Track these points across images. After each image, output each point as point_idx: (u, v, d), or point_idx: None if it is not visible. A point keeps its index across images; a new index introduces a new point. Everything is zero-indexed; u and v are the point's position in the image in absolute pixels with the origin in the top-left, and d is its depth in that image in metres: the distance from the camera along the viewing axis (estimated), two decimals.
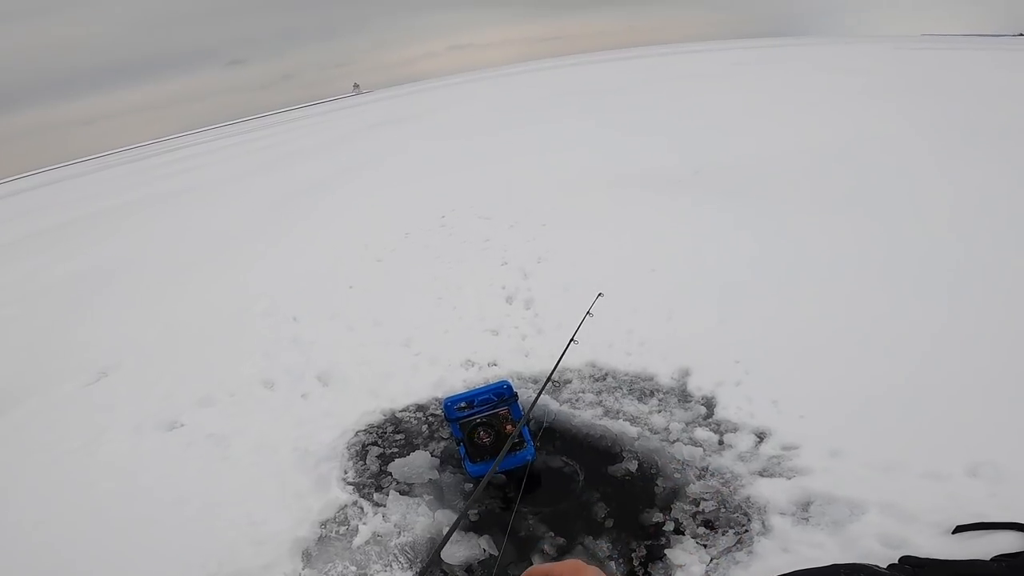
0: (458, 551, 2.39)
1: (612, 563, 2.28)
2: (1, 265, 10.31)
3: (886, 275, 4.09)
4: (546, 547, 2.40)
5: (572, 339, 2.98)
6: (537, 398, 2.71)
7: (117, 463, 3.42)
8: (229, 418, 3.69)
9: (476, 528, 2.53)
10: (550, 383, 3.46)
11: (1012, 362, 3.00)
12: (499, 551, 2.41)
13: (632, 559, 2.28)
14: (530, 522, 2.54)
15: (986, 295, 3.68)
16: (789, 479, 2.48)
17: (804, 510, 2.32)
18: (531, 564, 2.30)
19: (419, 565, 2.42)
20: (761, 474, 2.55)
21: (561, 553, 2.37)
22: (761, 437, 2.77)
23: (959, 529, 2.05)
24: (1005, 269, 3.96)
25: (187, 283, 6.72)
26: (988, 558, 1.88)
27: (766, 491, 2.44)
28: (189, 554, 2.59)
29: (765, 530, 2.27)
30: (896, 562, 1.90)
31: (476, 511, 2.62)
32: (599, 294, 3.52)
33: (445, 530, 2.55)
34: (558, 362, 2.81)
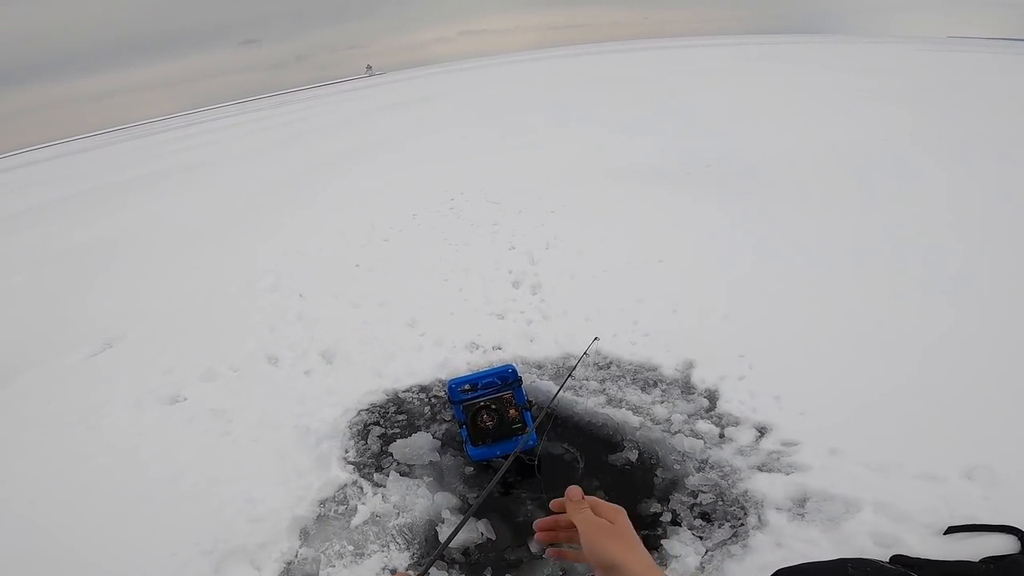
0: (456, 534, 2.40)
1: None
2: (12, 233, 10.36)
3: (889, 277, 4.07)
4: None
5: (570, 374, 3.01)
6: (556, 394, 2.71)
7: (115, 438, 3.42)
8: (232, 393, 3.70)
9: (475, 512, 2.52)
10: (557, 372, 3.46)
11: (1012, 367, 2.99)
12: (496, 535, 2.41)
13: None
14: (528, 507, 2.54)
15: (988, 300, 3.66)
16: (787, 475, 2.48)
17: (800, 506, 2.33)
18: (528, 549, 2.33)
19: (416, 547, 2.43)
20: (760, 469, 2.54)
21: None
22: (762, 432, 2.76)
23: (951, 530, 2.06)
24: (1007, 274, 3.95)
25: (195, 257, 6.74)
26: (977, 560, 1.88)
27: (764, 486, 2.44)
28: (185, 531, 2.59)
29: (761, 524, 2.27)
30: (887, 560, 1.91)
31: (475, 494, 2.63)
32: (595, 338, 3.56)
33: (444, 512, 2.56)
34: (557, 391, 2.81)
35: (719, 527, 2.31)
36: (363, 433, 3.16)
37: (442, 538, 2.38)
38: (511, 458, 1.41)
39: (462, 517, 2.51)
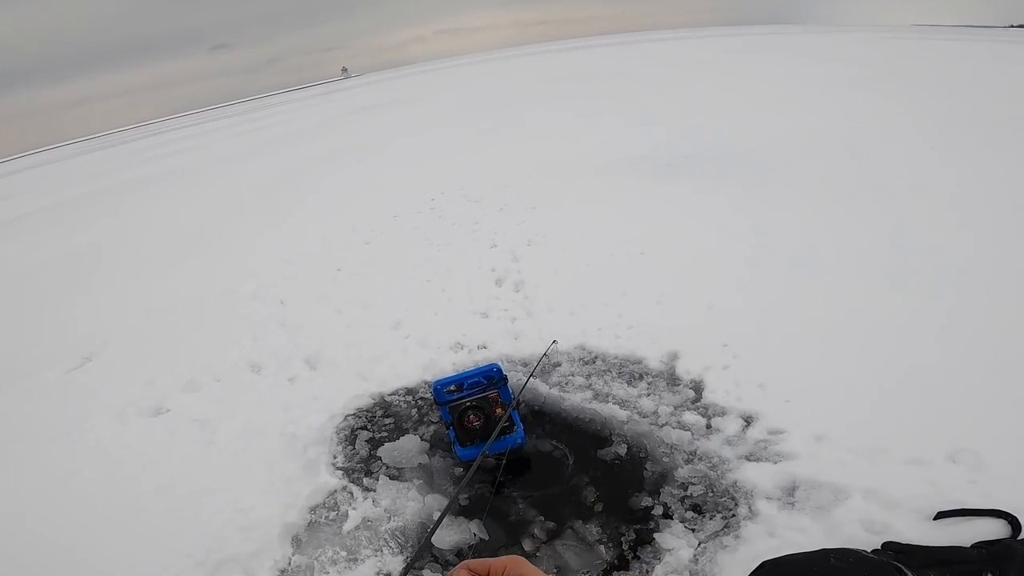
0: (448, 536, 2.39)
1: (601, 547, 2.29)
2: None
3: (870, 264, 4.11)
4: (536, 531, 2.41)
5: (530, 376, 3.10)
6: (524, 385, 2.71)
7: (101, 451, 3.38)
8: (216, 403, 3.66)
9: (466, 512, 2.53)
10: (540, 367, 3.46)
11: (994, 352, 3.03)
12: (488, 535, 2.41)
13: (621, 543, 2.30)
14: (520, 506, 2.54)
15: (970, 285, 3.70)
16: (775, 464, 2.49)
17: (790, 495, 2.34)
18: (521, 548, 2.33)
19: (409, 550, 2.42)
20: (748, 458, 2.56)
21: (551, 537, 2.37)
22: (748, 421, 2.78)
23: (940, 515, 2.07)
24: (988, 258, 3.99)
25: (173, 266, 6.66)
26: (968, 545, 1.90)
27: (753, 475, 2.45)
28: (176, 543, 2.57)
29: (752, 515, 2.29)
30: (879, 547, 1.92)
31: (466, 495, 2.62)
32: (553, 341, 3.58)
33: (436, 515, 2.55)
34: (521, 388, 2.80)
35: (711, 519, 2.32)
36: (351, 438, 3.14)
37: (433, 540, 2.37)
38: (478, 460, 1.41)
39: (451, 516, 2.52)
